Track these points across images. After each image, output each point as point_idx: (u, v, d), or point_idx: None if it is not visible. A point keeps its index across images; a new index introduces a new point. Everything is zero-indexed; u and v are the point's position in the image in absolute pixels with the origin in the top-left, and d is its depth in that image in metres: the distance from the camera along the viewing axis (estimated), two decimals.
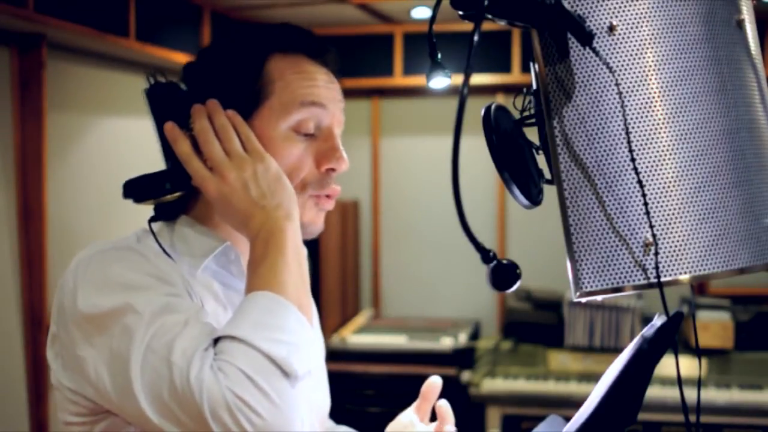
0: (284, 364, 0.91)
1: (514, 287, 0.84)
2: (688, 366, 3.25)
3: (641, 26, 0.86)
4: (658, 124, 0.86)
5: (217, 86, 1.10)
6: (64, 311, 1.01)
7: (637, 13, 0.86)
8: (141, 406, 0.93)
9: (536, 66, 0.91)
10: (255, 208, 1.03)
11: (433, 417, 1.33)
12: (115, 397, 0.96)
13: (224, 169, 1.04)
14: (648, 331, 0.94)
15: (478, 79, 3.82)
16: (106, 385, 0.96)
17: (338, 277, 4.07)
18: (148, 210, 1.13)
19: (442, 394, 1.32)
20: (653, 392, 3.21)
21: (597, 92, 0.87)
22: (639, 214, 0.85)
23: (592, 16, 0.87)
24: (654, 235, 0.85)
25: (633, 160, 0.85)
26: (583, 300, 0.92)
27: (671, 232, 0.85)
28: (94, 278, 1.01)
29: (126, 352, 0.94)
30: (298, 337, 0.95)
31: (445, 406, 1.30)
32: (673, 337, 0.91)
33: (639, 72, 0.86)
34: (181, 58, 3.28)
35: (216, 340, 0.93)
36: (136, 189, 1.07)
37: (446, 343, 3.68)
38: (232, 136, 1.06)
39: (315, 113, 1.11)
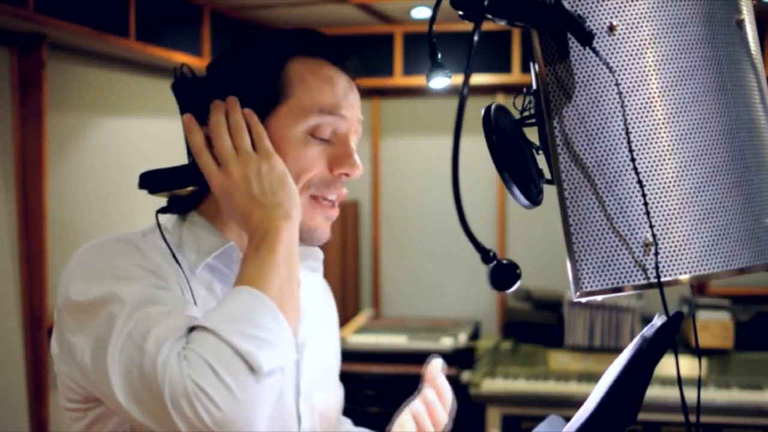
0: (251, 358, 0.91)
1: (514, 287, 0.84)
2: (688, 366, 3.25)
3: (641, 26, 0.86)
4: (658, 124, 0.86)
5: (238, 84, 1.11)
6: (61, 299, 1.04)
7: (637, 13, 0.86)
8: (112, 387, 0.94)
9: (536, 66, 0.91)
10: (254, 205, 1.04)
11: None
12: (93, 378, 0.98)
13: (230, 164, 1.05)
14: (648, 331, 0.94)
15: (478, 79, 3.82)
16: (87, 367, 0.99)
17: (338, 277, 4.07)
18: (149, 210, 1.14)
19: None
20: (653, 392, 3.21)
21: (597, 92, 0.87)
22: (639, 214, 0.85)
23: (592, 16, 0.87)
24: (654, 235, 0.85)
25: (633, 160, 0.85)
26: (583, 300, 0.92)
27: (671, 232, 0.85)
28: (87, 268, 1.04)
29: (106, 338, 0.96)
30: (271, 334, 0.95)
31: (420, 411, 1.23)
32: (673, 337, 0.91)
33: (639, 72, 0.86)
34: (181, 58, 3.27)
35: (190, 331, 0.94)
36: (151, 180, 1.08)
37: (446, 343, 3.67)
38: (243, 134, 1.07)
39: (332, 121, 1.12)
